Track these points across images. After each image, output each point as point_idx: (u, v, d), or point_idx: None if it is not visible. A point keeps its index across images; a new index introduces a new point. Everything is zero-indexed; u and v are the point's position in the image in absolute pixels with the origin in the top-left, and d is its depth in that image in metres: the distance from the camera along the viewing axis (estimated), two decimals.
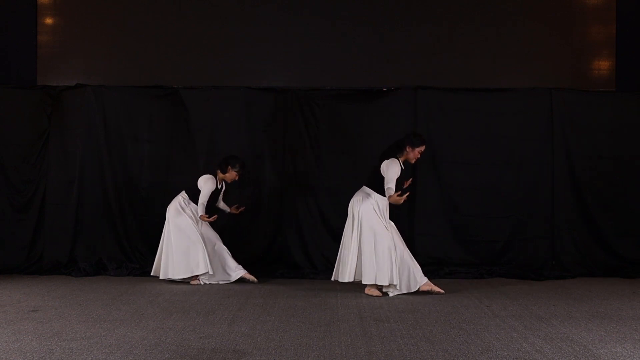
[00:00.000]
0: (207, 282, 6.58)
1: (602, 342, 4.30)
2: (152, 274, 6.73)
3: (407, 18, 8.44)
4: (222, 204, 6.94)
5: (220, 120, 7.51)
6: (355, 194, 6.11)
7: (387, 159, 5.98)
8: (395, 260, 5.88)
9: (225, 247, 6.70)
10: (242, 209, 6.85)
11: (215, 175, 6.68)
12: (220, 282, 6.61)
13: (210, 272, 6.53)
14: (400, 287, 5.94)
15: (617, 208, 7.45)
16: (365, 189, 6.08)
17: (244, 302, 5.68)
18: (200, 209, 6.52)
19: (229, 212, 6.92)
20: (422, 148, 6.08)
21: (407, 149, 6.02)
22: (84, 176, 7.44)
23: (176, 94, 7.59)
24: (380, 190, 5.98)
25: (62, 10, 8.47)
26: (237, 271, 6.64)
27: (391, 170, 5.91)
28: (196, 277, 6.59)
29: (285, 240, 7.44)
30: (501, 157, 7.45)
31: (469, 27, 8.43)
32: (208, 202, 6.60)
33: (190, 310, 5.27)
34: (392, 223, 6.10)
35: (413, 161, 6.13)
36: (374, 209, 5.96)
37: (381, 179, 5.96)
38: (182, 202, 6.66)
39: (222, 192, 6.88)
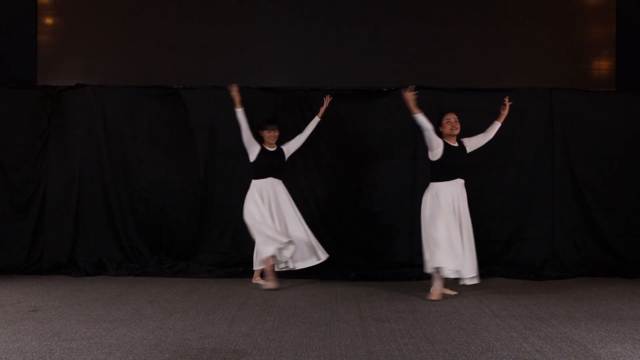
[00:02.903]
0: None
1: (602, 342, 4.30)
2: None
3: (407, 18, 8.42)
4: (310, 128, 6.90)
5: (220, 120, 7.50)
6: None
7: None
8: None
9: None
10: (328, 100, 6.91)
11: (261, 144, 6.70)
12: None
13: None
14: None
15: (617, 208, 7.44)
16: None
17: (244, 302, 5.68)
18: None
19: (322, 114, 6.91)
20: (449, 115, 6.16)
21: (441, 129, 6.14)
22: (84, 176, 7.44)
23: (176, 94, 7.59)
24: (434, 177, 6.07)
25: (62, 10, 8.46)
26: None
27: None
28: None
29: None
30: (501, 157, 7.45)
31: (469, 27, 8.41)
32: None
33: (190, 310, 5.27)
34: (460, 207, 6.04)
35: (454, 130, 6.14)
36: (427, 199, 6.05)
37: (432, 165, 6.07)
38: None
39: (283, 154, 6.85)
